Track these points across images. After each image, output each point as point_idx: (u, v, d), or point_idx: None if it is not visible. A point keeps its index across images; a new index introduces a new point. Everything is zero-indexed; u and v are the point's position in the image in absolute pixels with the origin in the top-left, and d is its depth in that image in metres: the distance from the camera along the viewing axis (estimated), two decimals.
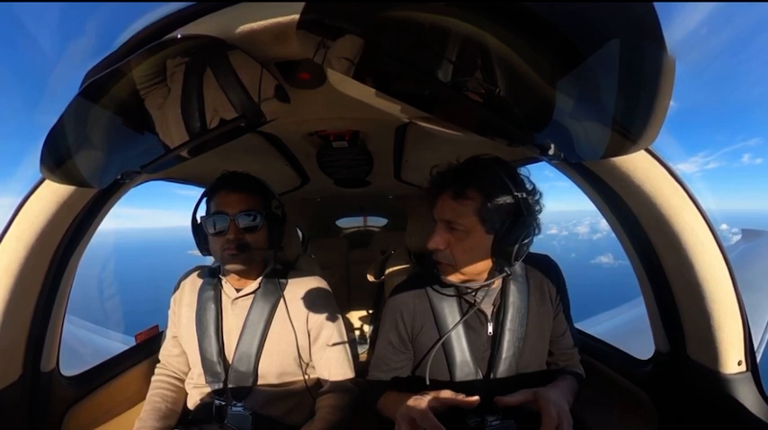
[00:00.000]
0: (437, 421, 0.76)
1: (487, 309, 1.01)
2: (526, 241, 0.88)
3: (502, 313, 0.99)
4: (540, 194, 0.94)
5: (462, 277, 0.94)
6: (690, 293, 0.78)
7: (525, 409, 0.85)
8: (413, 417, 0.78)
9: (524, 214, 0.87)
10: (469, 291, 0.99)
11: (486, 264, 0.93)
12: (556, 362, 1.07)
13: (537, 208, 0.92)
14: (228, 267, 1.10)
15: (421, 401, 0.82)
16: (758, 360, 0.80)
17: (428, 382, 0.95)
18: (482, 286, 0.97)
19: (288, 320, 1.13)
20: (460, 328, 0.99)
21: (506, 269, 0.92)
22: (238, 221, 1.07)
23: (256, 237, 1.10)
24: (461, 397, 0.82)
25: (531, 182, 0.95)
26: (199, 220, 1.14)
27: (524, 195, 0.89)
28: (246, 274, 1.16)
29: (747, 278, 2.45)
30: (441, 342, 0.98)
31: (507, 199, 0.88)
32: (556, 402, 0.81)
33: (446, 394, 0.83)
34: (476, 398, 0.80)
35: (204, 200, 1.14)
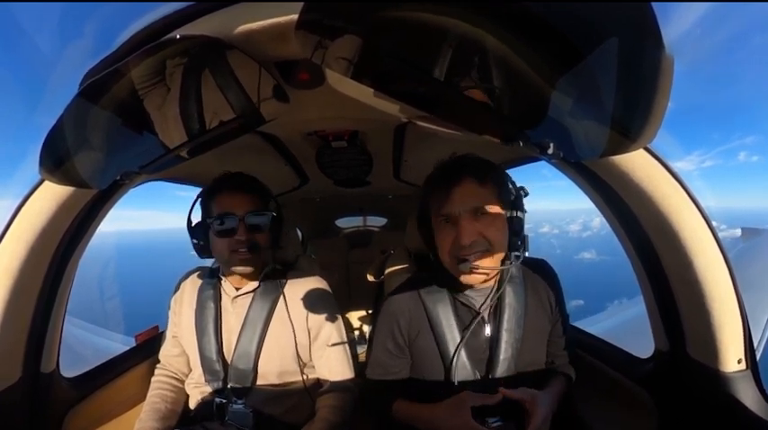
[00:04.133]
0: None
1: (484, 311, 1.00)
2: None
3: (499, 315, 0.99)
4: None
5: (487, 267, 0.88)
6: (689, 292, 0.78)
7: (523, 410, 0.86)
8: None
9: (522, 201, 0.95)
10: (468, 294, 0.99)
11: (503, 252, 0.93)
12: (551, 360, 1.08)
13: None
14: (239, 269, 1.09)
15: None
16: (758, 358, 0.80)
17: (424, 381, 0.97)
18: (495, 272, 0.94)
19: (287, 319, 1.13)
20: (459, 330, 0.99)
21: (521, 254, 0.93)
22: (247, 221, 1.07)
23: (263, 237, 1.10)
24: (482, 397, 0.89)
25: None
26: (194, 222, 1.12)
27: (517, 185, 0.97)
28: (250, 275, 1.15)
29: (747, 277, 2.44)
30: (441, 345, 0.98)
31: (510, 187, 0.95)
32: (545, 411, 0.89)
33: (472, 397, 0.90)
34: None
35: (200, 201, 1.12)
